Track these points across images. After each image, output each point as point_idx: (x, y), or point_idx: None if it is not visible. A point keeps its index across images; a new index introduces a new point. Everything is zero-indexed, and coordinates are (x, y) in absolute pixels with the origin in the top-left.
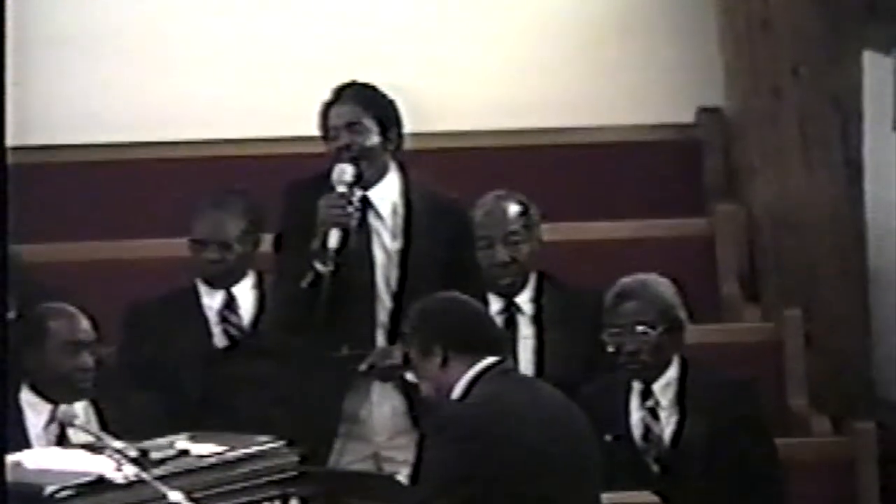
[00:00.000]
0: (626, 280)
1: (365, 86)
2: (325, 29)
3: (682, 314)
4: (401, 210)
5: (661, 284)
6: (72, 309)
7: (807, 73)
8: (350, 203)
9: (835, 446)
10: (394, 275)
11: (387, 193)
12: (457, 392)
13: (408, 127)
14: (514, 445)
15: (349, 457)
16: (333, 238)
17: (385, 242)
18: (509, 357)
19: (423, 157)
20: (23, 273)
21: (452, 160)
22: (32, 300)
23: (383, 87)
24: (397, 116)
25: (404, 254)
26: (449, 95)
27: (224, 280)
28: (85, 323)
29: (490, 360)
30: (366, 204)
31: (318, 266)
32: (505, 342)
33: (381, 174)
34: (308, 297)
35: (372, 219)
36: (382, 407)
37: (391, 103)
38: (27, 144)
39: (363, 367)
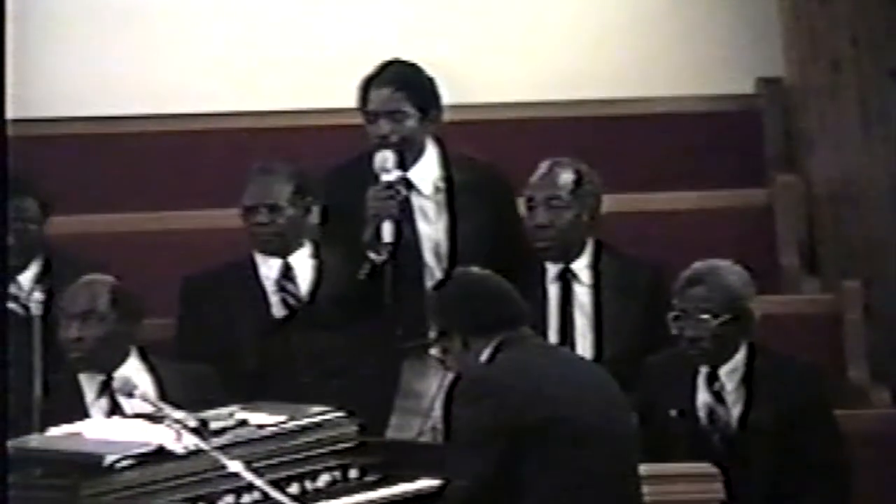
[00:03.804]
0: (698, 264)
1: (405, 65)
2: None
3: (751, 304)
4: (442, 185)
5: (732, 273)
6: (85, 280)
7: (866, 46)
8: (398, 192)
9: (894, 417)
10: (444, 250)
11: (427, 172)
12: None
13: (466, 98)
14: (537, 402)
15: (409, 431)
16: (387, 231)
17: (431, 220)
18: (528, 328)
19: (482, 127)
20: (49, 248)
21: (513, 131)
22: (66, 275)
23: (439, 60)
24: (436, 95)
25: (452, 228)
26: (509, 67)
27: (276, 245)
28: (89, 294)
29: (509, 333)
30: (407, 184)
31: (373, 256)
32: (525, 316)
33: (419, 153)
34: (367, 286)
35: (415, 198)
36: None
37: (431, 83)
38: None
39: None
